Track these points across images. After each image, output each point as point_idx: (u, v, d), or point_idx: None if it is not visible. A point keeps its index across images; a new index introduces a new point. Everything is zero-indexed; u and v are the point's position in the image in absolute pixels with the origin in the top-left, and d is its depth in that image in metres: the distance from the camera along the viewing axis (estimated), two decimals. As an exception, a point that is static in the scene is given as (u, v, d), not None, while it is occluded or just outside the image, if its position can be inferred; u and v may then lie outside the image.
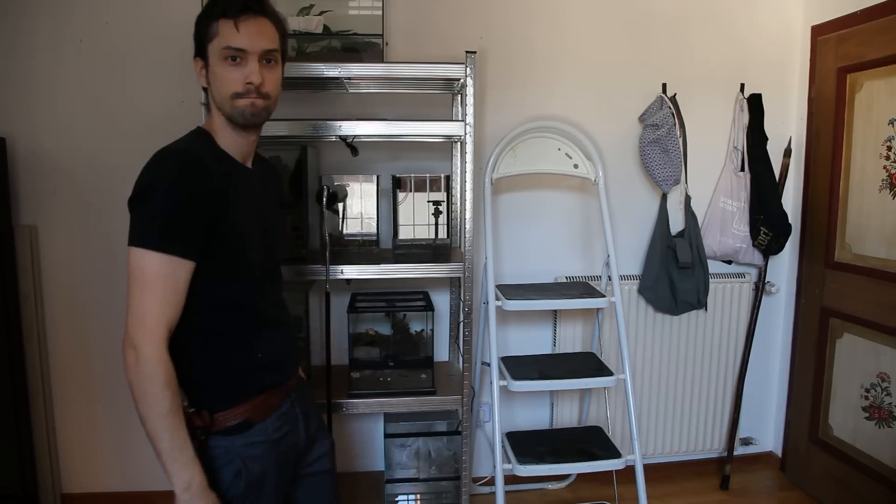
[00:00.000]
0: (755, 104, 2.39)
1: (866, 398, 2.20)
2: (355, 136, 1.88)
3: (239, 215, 1.16)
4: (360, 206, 2.02)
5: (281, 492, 1.27)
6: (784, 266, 2.58)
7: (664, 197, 2.38)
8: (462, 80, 1.88)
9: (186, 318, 1.11)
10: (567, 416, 2.46)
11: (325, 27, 1.98)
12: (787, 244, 2.41)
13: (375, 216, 2.03)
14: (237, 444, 1.17)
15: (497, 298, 2.05)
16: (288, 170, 1.92)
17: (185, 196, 1.07)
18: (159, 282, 1.05)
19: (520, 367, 2.10)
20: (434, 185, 1.98)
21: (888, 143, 2.09)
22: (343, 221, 2.01)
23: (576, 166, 2.18)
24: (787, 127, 2.50)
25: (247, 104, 1.15)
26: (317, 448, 1.38)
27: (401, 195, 1.97)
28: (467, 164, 1.87)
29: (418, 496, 2.17)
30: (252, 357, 1.22)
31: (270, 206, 1.31)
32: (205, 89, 1.22)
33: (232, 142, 1.21)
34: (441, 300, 2.35)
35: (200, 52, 1.18)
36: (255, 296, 1.23)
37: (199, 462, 1.08)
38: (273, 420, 1.23)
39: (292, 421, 1.29)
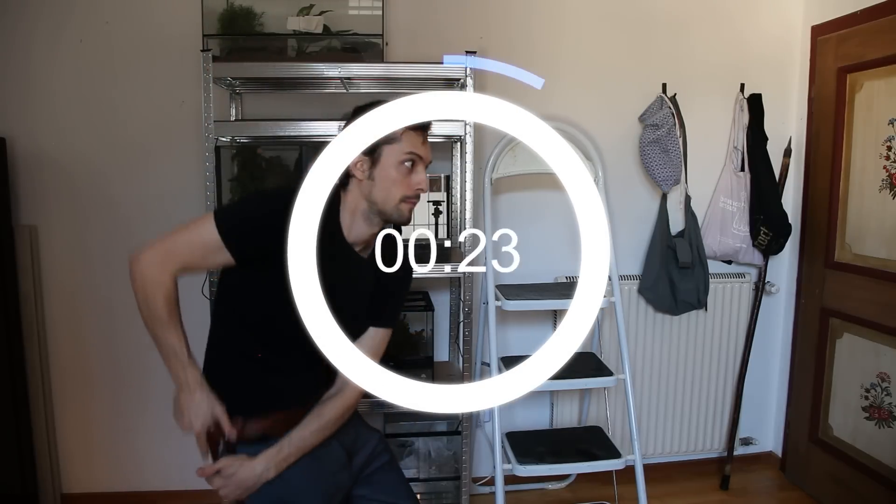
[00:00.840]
0: (755, 104, 2.39)
1: (866, 398, 2.20)
2: (355, 137, 1.88)
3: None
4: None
5: (326, 495, 1.30)
6: (784, 266, 2.58)
7: (664, 197, 2.38)
8: (462, 80, 1.88)
9: (229, 338, 1.26)
10: (567, 416, 2.46)
11: (325, 27, 1.98)
12: (787, 244, 2.41)
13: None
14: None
15: (497, 298, 2.05)
16: (287, 170, 1.92)
17: (268, 221, 1.13)
18: (199, 242, 1.18)
19: (520, 367, 2.10)
20: (434, 185, 1.98)
21: (888, 143, 2.09)
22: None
23: (576, 166, 2.18)
24: (787, 127, 2.50)
25: (408, 207, 1.27)
26: (361, 453, 1.41)
27: (401, 195, 1.97)
28: (467, 164, 1.87)
29: (418, 496, 2.17)
30: (265, 378, 1.26)
31: (361, 294, 1.33)
32: (349, 177, 1.26)
33: (359, 229, 1.29)
34: (441, 300, 2.35)
35: (368, 149, 1.22)
36: (285, 359, 1.26)
37: (195, 366, 1.19)
38: None
39: (333, 453, 1.31)
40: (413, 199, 1.27)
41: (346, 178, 1.27)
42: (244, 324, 1.26)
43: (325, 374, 1.33)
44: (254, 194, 1.26)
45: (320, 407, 1.29)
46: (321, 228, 1.11)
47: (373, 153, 1.24)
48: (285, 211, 1.13)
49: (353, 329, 1.29)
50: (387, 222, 1.30)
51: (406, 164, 1.25)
